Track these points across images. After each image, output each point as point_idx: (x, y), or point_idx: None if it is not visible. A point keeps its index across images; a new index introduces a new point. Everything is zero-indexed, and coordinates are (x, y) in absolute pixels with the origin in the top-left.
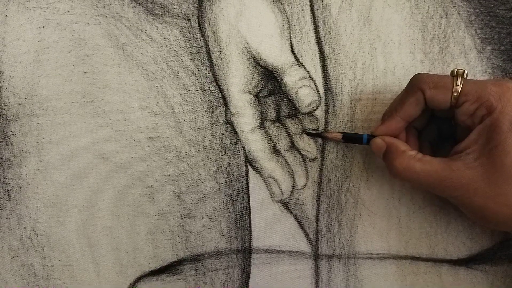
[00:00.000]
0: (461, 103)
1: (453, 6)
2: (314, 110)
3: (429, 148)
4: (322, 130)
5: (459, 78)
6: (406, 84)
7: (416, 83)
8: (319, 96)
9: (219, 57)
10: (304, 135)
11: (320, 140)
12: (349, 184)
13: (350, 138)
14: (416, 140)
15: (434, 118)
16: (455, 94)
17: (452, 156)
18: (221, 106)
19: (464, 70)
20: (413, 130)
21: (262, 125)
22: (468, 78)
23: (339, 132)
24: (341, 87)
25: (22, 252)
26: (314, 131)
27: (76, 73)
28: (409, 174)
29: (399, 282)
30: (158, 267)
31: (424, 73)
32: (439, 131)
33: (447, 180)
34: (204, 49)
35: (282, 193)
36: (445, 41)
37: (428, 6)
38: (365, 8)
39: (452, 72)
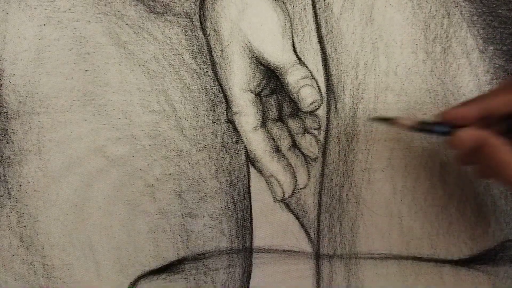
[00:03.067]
0: None
1: (456, 6)
2: (316, 109)
3: None
4: (391, 117)
5: None
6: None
7: None
8: (321, 95)
9: (220, 56)
10: (306, 134)
11: (322, 139)
12: (351, 183)
13: (425, 127)
14: None
15: None
16: None
17: None
18: (222, 105)
19: None
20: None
21: (263, 124)
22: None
23: (415, 119)
24: (343, 87)
25: (22, 250)
26: (381, 117)
27: (77, 71)
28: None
29: (401, 282)
30: (159, 266)
31: None
32: None
33: None
34: (205, 47)
35: (283, 192)
36: (447, 41)
37: (431, 6)
38: (367, 8)
39: None
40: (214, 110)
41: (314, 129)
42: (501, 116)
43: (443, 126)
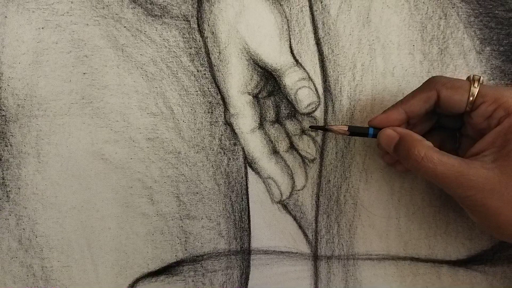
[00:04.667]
0: (478, 104)
1: (452, 7)
2: (313, 111)
3: None
4: (325, 124)
5: (476, 82)
6: (422, 84)
7: (432, 84)
8: (318, 97)
9: (218, 58)
10: (304, 135)
11: (319, 141)
12: (348, 185)
13: (356, 131)
14: None
15: (437, 129)
16: (471, 97)
17: (469, 157)
18: (220, 107)
19: (480, 76)
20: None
21: (261, 126)
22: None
23: (345, 125)
24: (340, 88)
25: (21, 253)
26: (317, 125)
27: (75, 74)
28: (427, 164)
29: (398, 283)
30: (157, 268)
31: (441, 75)
32: (442, 142)
33: (464, 176)
34: (203, 50)
35: (281, 194)
36: (444, 42)
37: (427, 7)
38: (364, 9)
39: (468, 78)
40: (212, 112)
41: (312, 130)
42: (421, 115)
43: (372, 129)
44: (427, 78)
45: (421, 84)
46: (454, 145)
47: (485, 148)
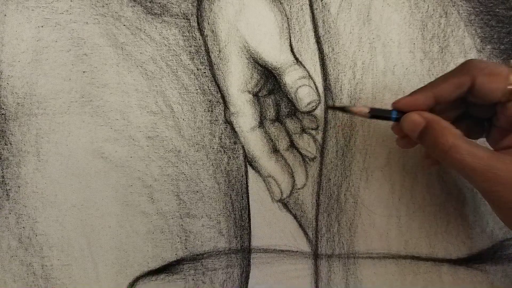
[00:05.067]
0: None
1: (453, 5)
2: (314, 109)
3: None
4: (346, 105)
5: None
6: (456, 67)
7: (468, 68)
8: (318, 95)
9: (218, 56)
10: (304, 134)
11: (319, 139)
12: (349, 183)
13: (377, 114)
14: None
15: (464, 117)
16: (510, 86)
17: (500, 150)
18: (220, 106)
19: None
20: None
21: (261, 124)
22: None
23: (366, 106)
24: (341, 86)
25: (21, 251)
26: (337, 105)
27: (75, 72)
28: (455, 154)
29: (399, 282)
30: (157, 267)
31: (479, 59)
32: (468, 131)
33: (493, 169)
34: (203, 48)
35: (281, 192)
36: (445, 40)
37: (428, 5)
38: (365, 7)
39: (509, 63)
40: (212, 111)
41: (312, 129)
42: (451, 101)
43: (395, 112)
44: (428, 76)
45: (456, 66)
46: (481, 135)
47: None
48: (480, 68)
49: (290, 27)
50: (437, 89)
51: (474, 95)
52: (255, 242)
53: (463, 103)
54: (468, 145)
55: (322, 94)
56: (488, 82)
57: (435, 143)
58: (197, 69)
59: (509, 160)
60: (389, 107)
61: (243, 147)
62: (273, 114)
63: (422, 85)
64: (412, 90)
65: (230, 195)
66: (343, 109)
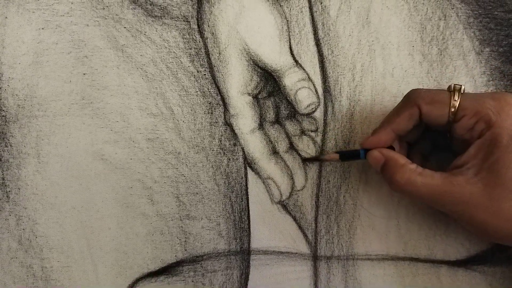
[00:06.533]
0: (459, 117)
1: (452, 8)
2: (313, 112)
3: (420, 160)
4: (318, 154)
5: (456, 93)
6: (402, 98)
7: (412, 98)
8: (318, 97)
9: (218, 59)
10: (303, 136)
11: (319, 141)
12: (348, 185)
13: (347, 156)
14: (405, 153)
15: (428, 131)
16: (452, 110)
17: (452, 170)
18: (220, 108)
19: (461, 85)
20: (404, 143)
21: (261, 126)
22: (465, 91)
23: (336, 152)
24: (340, 89)
25: (20, 253)
26: (310, 157)
27: (75, 74)
28: (410, 188)
29: (398, 283)
30: (157, 269)
31: (420, 88)
32: (433, 142)
33: (448, 195)
34: (203, 50)
35: (281, 194)
36: (444, 43)
37: (427, 8)
38: (364, 10)
39: (449, 87)
40: (211, 113)
41: (312, 131)
42: (410, 130)
43: (363, 151)
44: (427, 78)
45: (402, 98)
46: (445, 142)
47: (468, 160)
48: (422, 97)
49: (289, 30)
50: (394, 124)
51: (425, 122)
52: (255, 244)
53: (422, 123)
54: (421, 177)
55: (321, 96)
56: (432, 110)
57: (391, 180)
58: (197, 71)
59: (462, 180)
60: (388, 110)
61: (242, 149)
62: (273, 116)
63: (422, 87)
64: (395, 107)
65: (230, 197)
66: (317, 159)
